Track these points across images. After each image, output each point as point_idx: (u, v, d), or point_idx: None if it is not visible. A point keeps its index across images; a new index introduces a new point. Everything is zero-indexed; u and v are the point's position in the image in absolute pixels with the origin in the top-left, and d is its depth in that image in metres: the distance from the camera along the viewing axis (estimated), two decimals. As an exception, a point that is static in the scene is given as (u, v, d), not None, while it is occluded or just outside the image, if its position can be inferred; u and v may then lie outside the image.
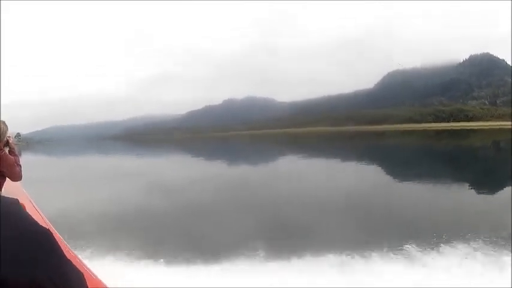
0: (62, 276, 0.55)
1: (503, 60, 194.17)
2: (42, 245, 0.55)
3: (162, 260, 7.62)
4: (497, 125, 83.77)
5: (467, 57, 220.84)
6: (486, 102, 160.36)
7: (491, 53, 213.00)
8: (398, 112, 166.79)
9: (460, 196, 14.61)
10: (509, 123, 79.77)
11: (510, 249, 7.21)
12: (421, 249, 7.81)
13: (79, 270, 0.60)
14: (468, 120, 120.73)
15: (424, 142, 60.13)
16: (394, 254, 7.57)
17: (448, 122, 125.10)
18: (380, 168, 27.93)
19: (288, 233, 10.10)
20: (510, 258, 6.89)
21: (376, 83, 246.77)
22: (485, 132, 70.38)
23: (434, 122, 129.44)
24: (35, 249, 0.53)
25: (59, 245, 0.56)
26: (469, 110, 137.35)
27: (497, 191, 16.27)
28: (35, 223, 0.57)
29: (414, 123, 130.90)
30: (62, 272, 0.56)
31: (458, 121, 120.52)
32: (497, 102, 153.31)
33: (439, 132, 79.86)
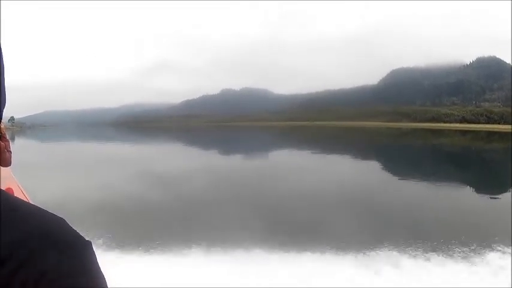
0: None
1: (509, 64, 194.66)
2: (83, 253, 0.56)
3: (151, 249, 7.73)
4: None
5: (474, 59, 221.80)
6: (499, 105, 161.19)
7: (497, 56, 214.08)
8: (449, 111, 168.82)
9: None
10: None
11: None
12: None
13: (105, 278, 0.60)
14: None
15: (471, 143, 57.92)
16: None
17: (498, 123, 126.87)
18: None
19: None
20: None
21: (380, 79, 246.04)
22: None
23: (486, 123, 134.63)
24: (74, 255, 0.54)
25: (95, 256, 0.58)
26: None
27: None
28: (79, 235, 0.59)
29: (468, 123, 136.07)
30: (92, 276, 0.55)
31: (508, 123, 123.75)
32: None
33: (489, 134, 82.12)
